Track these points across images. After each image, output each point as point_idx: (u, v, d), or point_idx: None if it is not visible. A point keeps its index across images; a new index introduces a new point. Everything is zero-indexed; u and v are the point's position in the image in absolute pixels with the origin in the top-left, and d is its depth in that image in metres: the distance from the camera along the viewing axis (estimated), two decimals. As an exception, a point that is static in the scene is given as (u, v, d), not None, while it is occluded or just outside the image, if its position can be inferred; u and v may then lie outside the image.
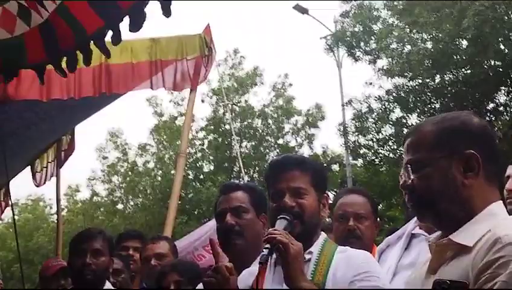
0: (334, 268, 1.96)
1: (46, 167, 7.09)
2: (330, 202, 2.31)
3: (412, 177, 1.58)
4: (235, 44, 32.86)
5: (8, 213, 9.99)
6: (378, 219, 3.07)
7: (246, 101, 21.43)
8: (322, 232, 2.12)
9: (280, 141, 21.51)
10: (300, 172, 2.06)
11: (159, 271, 2.92)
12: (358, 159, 16.10)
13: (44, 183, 7.15)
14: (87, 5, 3.06)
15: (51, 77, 4.30)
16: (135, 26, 3.04)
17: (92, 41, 3.18)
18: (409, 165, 1.60)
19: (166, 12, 3.01)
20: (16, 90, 4.48)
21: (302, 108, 21.61)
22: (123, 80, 5.36)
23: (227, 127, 20.19)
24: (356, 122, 14.71)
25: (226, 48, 21.50)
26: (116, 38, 3.09)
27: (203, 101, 21.07)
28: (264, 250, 1.89)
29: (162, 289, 2.79)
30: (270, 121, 21.45)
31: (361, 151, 15.02)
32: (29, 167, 7.30)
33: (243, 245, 2.34)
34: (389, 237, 2.76)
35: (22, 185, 8.30)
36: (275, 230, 1.92)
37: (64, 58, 3.42)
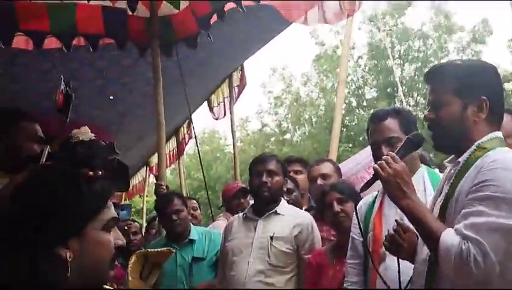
0: (465, 178, 1.80)
1: (223, 102, 7.74)
2: None
3: None
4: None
5: (189, 146, 10.92)
6: None
7: (402, 23, 20.63)
8: (489, 135, 1.87)
9: (444, 61, 20.45)
10: (442, 83, 1.96)
11: (322, 190, 3.29)
12: (534, 75, 14.94)
13: (224, 116, 7.80)
14: None
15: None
16: None
17: None
18: None
19: None
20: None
21: (466, 25, 20.31)
22: (282, 10, 5.52)
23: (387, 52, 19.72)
24: (528, 35, 13.56)
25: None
26: None
27: (359, 28, 20.80)
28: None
29: (325, 206, 3.18)
30: (430, 41, 20.46)
31: (537, 67, 13.89)
32: (205, 103, 8.06)
33: None
34: None
35: (197, 120, 9.10)
36: (387, 156, 1.95)
37: None
